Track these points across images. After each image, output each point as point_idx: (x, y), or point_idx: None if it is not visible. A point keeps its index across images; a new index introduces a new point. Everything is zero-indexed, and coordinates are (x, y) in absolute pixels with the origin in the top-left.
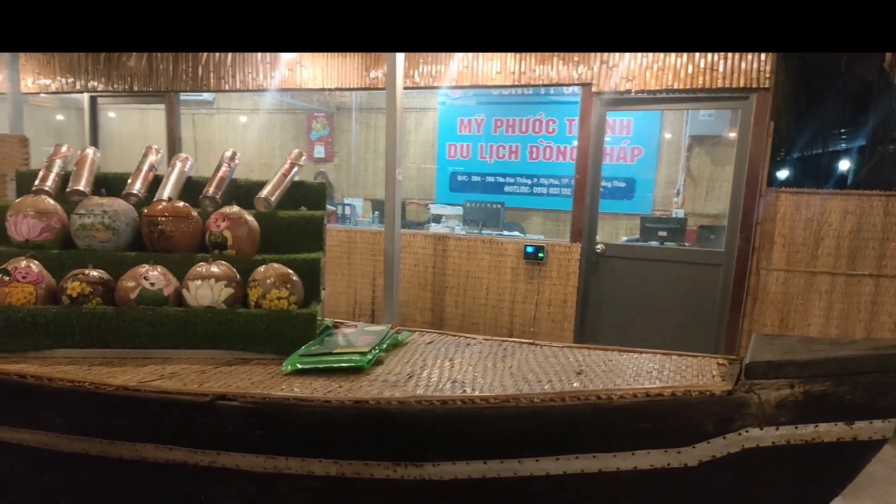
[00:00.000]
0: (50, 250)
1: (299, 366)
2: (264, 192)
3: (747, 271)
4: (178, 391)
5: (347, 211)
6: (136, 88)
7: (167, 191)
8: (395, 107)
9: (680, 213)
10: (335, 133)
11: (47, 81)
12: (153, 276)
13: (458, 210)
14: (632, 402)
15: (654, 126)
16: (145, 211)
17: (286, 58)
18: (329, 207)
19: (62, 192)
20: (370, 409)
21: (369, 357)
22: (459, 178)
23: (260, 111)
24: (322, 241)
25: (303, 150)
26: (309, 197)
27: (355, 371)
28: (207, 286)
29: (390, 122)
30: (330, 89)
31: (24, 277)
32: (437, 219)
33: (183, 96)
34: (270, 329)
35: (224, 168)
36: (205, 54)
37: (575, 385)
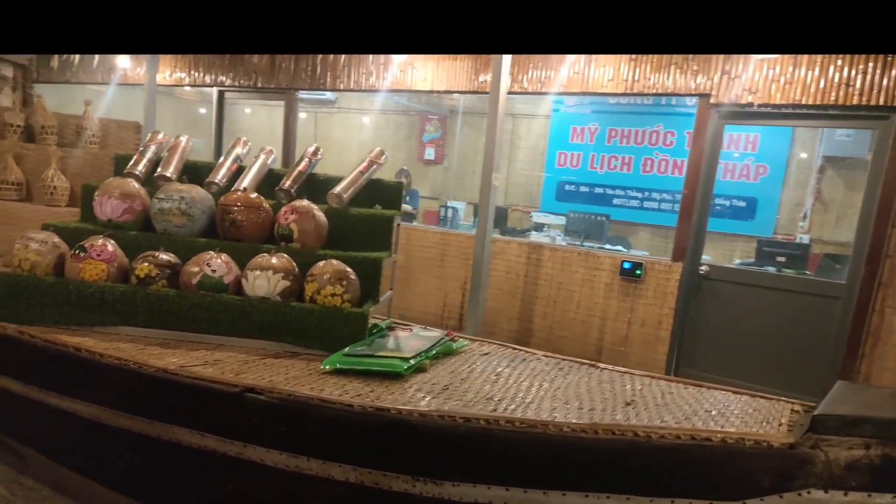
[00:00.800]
0: (129, 231)
1: (339, 365)
2: (338, 189)
3: (870, 308)
4: (211, 379)
5: (450, 213)
6: (259, 85)
7: (245, 182)
8: (497, 110)
9: (805, 239)
10: (447, 136)
11: (182, 75)
12: (216, 263)
13: (562, 220)
14: (673, 443)
15: (783, 144)
16: (221, 199)
17: (398, 59)
18: (406, 207)
19: (152, 176)
20: (391, 418)
21: (410, 363)
22: (567, 187)
23: (377, 111)
24: (390, 241)
25: (384, 150)
26: (385, 196)
27: (393, 376)
28: (265, 277)
29: (491, 126)
30: (438, 91)
31: (98, 255)
32: (539, 227)
33: (307, 95)
34: (321, 325)
35: (304, 162)
36: (322, 56)
37: (616, 417)
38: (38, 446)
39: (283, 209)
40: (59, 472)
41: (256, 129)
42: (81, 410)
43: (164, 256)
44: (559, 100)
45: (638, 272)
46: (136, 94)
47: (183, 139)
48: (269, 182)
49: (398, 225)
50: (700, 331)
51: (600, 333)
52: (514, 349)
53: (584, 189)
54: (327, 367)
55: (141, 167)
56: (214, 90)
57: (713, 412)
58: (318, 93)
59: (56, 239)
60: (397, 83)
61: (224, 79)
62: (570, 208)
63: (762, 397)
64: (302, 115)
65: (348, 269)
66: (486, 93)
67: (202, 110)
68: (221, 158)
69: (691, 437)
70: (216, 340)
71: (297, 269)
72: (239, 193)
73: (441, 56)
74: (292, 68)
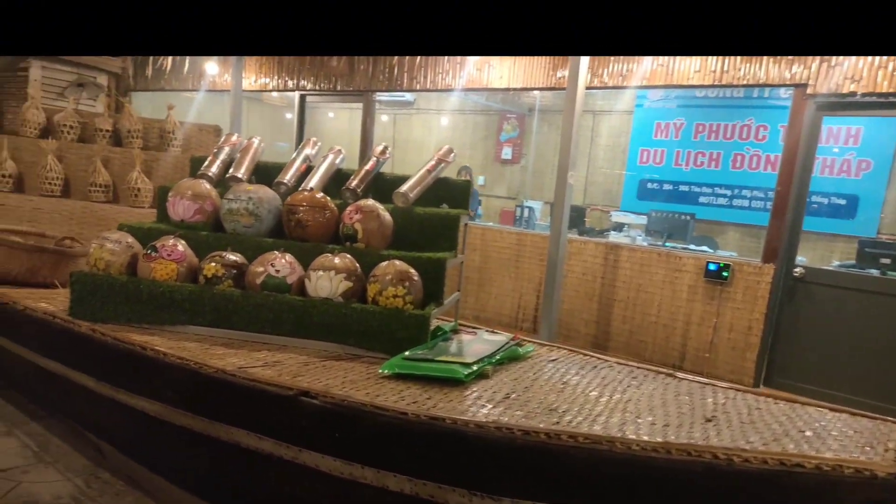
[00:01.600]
0: (200, 231)
1: (398, 369)
2: (403, 188)
3: None
4: (267, 381)
5: (525, 213)
6: (338, 88)
7: (312, 181)
8: (574, 106)
9: None
10: (525, 135)
11: (266, 80)
12: (280, 263)
13: (643, 219)
14: (758, 468)
15: (889, 136)
16: (287, 200)
17: (474, 58)
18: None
19: (225, 177)
20: (445, 428)
21: (472, 369)
22: (649, 185)
23: (455, 111)
24: (456, 241)
25: (452, 147)
26: (453, 195)
27: (453, 382)
28: (327, 278)
29: (567, 123)
30: (515, 89)
31: (168, 255)
32: (619, 227)
33: (386, 97)
34: (382, 327)
35: (372, 161)
36: (398, 57)
37: (693, 435)
38: (112, 441)
39: (349, 209)
40: (131, 467)
41: (336, 132)
42: (147, 408)
43: (232, 256)
44: (642, 94)
45: (725, 274)
46: (226, 100)
47: (255, 140)
48: (337, 182)
49: (466, 225)
50: (794, 338)
51: (683, 339)
52: (585, 355)
53: (667, 187)
54: (386, 371)
55: (214, 168)
56: (296, 94)
57: (807, 433)
58: (397, 95)
59: (130, 239)
60: (473, 82)
61: (305, 83)
62: (652, 207)
63: (864, 416)
64: (383, 118)
65: (411, 270)
66: (563, 89)
67: (288, 115)
68: (291, 159)
69: (780, 461)
70: (280, 341)
71: (359, 270)
72: (305, 193)
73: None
74: (370, 71)
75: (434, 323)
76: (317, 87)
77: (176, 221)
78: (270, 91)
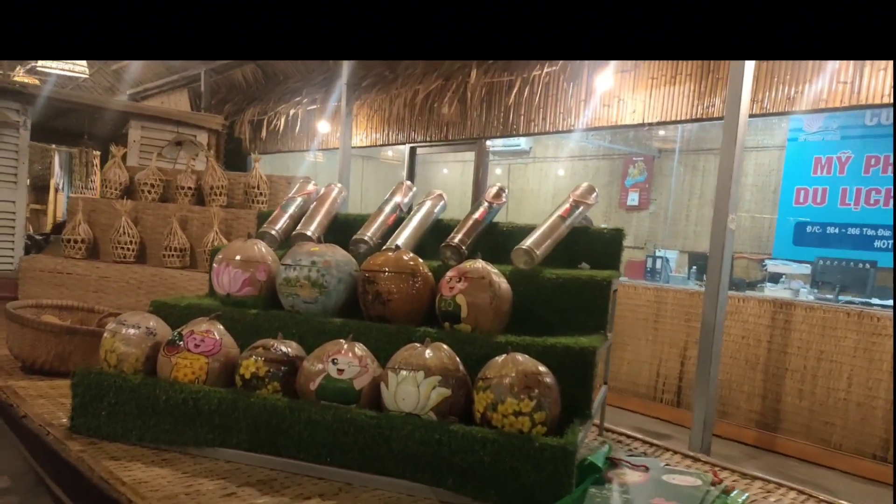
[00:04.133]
0: (249, 309)
1: None
2: (528, 242)
3: None
4: None
5: (658, 264)
6: (450, 137)
7: (401, 238)
8: (736, 137)
9: None
10: (653, 178)
11: (377, 135)
12: (345, 359)
13: (805, 268)
14: None
15: None
16: (363, 264)
17: (601, 92)
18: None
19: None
20: None
21: None
22: (809, 228)
23: (574, 158)
24: (605, 316)
25: (594, 185)
26: (594, 250)
27: None
28: (413, 381)
29: (726, 157)
30: (651, 124)
31: (196, 346)
32: (775, 278)
33: (500, 147)
34: (497, 464)
35: (482, 209)
36: (514, 99)
37: None
38: None
39: (449, 274)
40: None
41: (448, 186)
42: None
43: (282, 348)
44: (797, 127)
45: None
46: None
47: (334, 188)
48: (436, 237)
49: (615, 291)
50: None
51: (887, 422)
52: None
53: (832, 230)
54: None
55: (280, 225)
56: (406, 147)
57: None
58: (511, 144)
59: (153, 322)
60: (600, 120)
61: (416, 134)
62: (813, 254)
63: None
64: (496, 171)
65: (541, 369)
66: (713, 119)
67: (402, 173)
68: (376, 209)
69: None
70: (342, 476)
71: (461, 369)
72: (388, 255)
73: (654, 83)
74: (483, 117)
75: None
76: (427, 139)
77: (222, 296)
78: (381, 145)
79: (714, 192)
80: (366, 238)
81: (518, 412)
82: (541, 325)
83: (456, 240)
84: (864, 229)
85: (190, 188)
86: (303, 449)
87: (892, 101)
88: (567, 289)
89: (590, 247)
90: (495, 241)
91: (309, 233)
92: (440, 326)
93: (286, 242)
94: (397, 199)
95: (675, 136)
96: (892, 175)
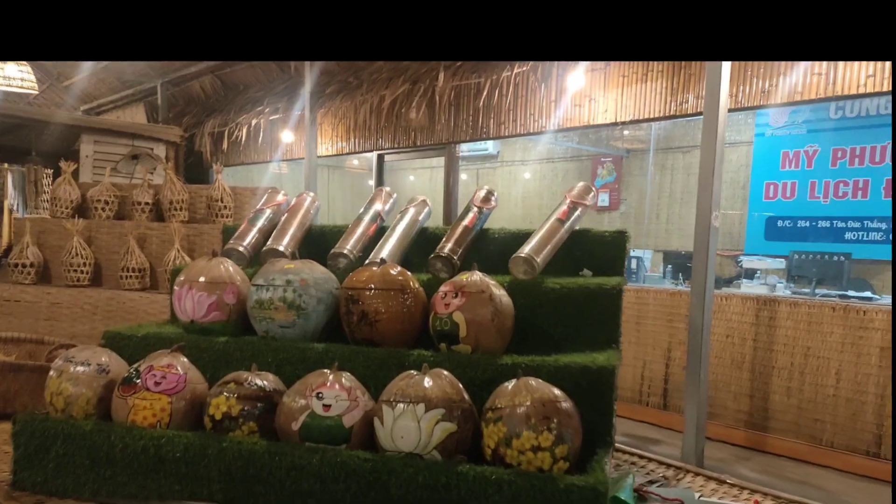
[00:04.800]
0: (217, 337)
1: None
2: (526, 249)
3: None
4: None
5: (633, 264)
6: (418, 143)
7: (384, 250)
8: (716, 133)
9: None
10: (623, 178)
11: (343, 144)
12: (330, 392)
13: (780, 263)
14: None
15: None
16: (345, 280)
17: (573, 92)
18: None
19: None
20: None
21: None
22: (780, 223)
23: (542, 160)
24: (617, 328)
25: (591, 185)
26: (596, 253)
27: None
28: (411, 416)
29: (707, 152)
30: (624, 122)
31: (156, 384)
32: (750, 274)
33: (467, 153)
34: None
35: (471, 215)
36: (483, 101)
37: None
38: None
39: (443, 289)
40: None
41: (417, 193)
42: None
43: (257, 381)
44: (763, 123)
45: None
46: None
47: (307, 198)
48: (422, 248)
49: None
50: None
51: (878, 417)
52: None
53: (803, 224)
54: None
55: (249, 240)
56: (374, 155)
57: None
58: (479, 149)
59: (104, 358)
60: (571, 120)
61: (383, 141)
62: (784, 248)
63: None
64: (462, 177)
65: (559, 395)
66: (688, 116)
67: (370, 182)
68: (355, 219)
69: None
70: None
71: (467, 399)
72: (372, 270)
73: (626, 81)
74: (451, 121)
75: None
76: (395, 145)
77: (185, 322)
78: (348, 154)
79: (682, 189)
80: (345, 251)
81: (536, 447)
82: (545, 342)
83: (446, 249)
84: (835, 222)
85: (147, 203)
86: (286, 499)
87: (867, 91)
88: (573, 299)
89: (591, 251)
90: (487, 249)
91: (281, 248)
92: (435, 349)
93: (256, 260)
94: (377, 206)
95: (642, 136)
96: (869, 165)
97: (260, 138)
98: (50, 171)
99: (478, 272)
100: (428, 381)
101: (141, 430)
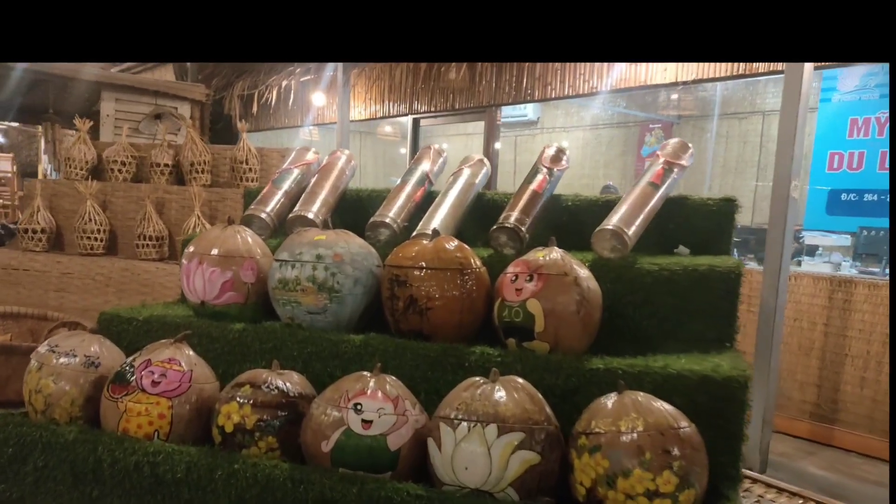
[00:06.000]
0: (233, 323)
1: None
2: (614, 220)
3: None
4: None
5: None
6: (457, 106)
7: (437, 219)
8: (799, 92)
9: None
10: None
11: (377, 108)
12: (371, 403)
13: (845, 240)
14: None
15: None
16: (388, 257)
17: None
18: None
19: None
20: None
21: None
22: (845, 196)
23: (586, 127)
24: (734, 325)
25: (685, 141)
26: (695, 226)
27: None
28: (479, 440)
29: (788, 115)
30: (686, 82)
31: (154, 384)
32: (811, 251)
33: (506, 119)
34: None
35: (540, 177)
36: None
37: None
38: None
39: (512, 270)
40: None
41: (452, 163)
42: None
43: (278, 383)
44: (829, 87)
45: None
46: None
47: (341, 157)
48: (479, 217)
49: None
50: None
51: None
52: None
53: (869, 197)
54: None
55: (273, 205)
56: (409, 119)
57: None
58: (517, 115)
59: (95, 347)
60: (626, 80)
61: (419, 105)
62: (847, 223)
63: None
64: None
65: (677, 417)
66: (760, 75)
67: (402, 150)
68: (399, 181)
69: None
70: None
71: (553, 419)
72: (424, 244)
73: None
74: (493, 83)
75: None
76: (432, 109)
77: (195, 304)
78: (382, 118)
79: (737, 159)
80: (387, 220)
81: (653, 492)
82: (637, 339)
83: (512, 219)
84: None
85: (167, 165)
86: None
87: None
88: (676, 285)
89: (689, 223)
90: (558, 219)
91: (311, 215)
92: (501, 345)
93: (281, 229)
94: (424, 167)
95: (694, 101)
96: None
97: (290, 101)
98: (72, 133)
99: (557, 249)
100: (500, 393)
101: (134, 441)
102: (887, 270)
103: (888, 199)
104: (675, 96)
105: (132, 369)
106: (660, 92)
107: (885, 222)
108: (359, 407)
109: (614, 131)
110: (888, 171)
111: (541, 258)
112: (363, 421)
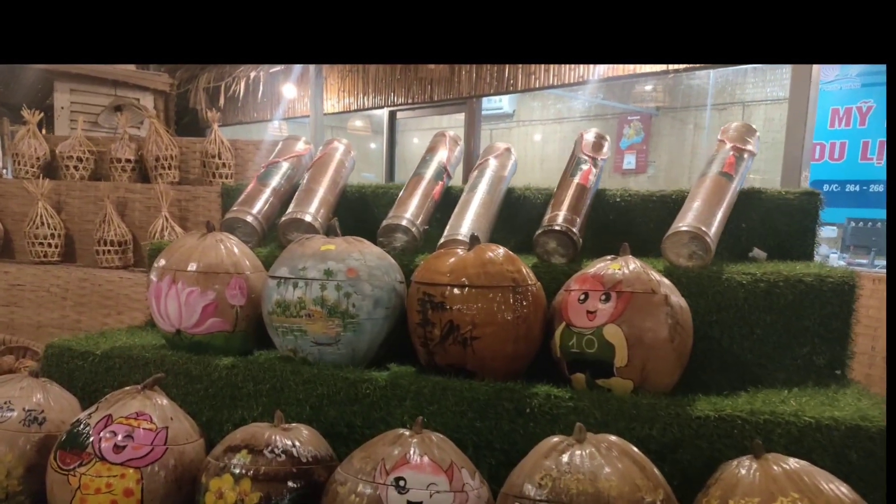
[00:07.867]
0: (219, 358)
1: None
2: (688, 219)
3: None
4: None
5: None
6: (435, 98)
7: (467, 221)
8: (810, 79)
9: None
10: (651, 139)
11: (350, 100)
12: (417, 478)
13: (831, 231)
14: None
15: None
16: (415, 273)
17: None
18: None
19: (278, 222)
20: None
21: None
22: (827, 187)
23: (563, 119)
24: (848, 347)
25: (750, 124)
26: (773, 225)
27: None
28: None
29: (797, 103)
30: (678, 70)
31: (117, 450)
32: None
33: (482, 111)
34: None
35: (585, 168)
36: None
37: None
38: None
39: (578, 286)
40: None
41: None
42: None
43: (284, 443)
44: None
45: None
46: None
47: (339, 148)
48: (510, 216)
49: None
50: None
51: None
52: None
53: (851, 188)
54: None
55: (259, 207)
56: (385, 112)
57: None
58: (493, 108)
59: (40, 395)
60: (615, 69)
61: (395, 97)
62: (829, 215)
63: None
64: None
65: (847, 493)
66: (739, 64)
67: (373, 145)
68: (413, 175)
69: None
70: None
71: (671, 497)
72: (460, 254)
73: None
74: (474, 73)
75: None
76: (409, 101)
77: (168, 333)
78: (356, 111)
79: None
80: (404, 223)
81: None
82: (727, 368)
83: (560, 220)
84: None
85: (129, 161)
86: None
87: None
88: (778, 300)
89: (765, 222)
90: (604, 218)
91: (308, 218)
92: (563, 381)
93: (271, 235)
94: (440, 156)
95: (672, 92)
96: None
97: (260, 94)
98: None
99: (633, 259)
100: (596, 460)
101: None
102: (876, 262)
103: (875, 191)
104: (648, 87)
105: (88, 429)
106: (636, 83)
107: (870, 213)
108: (402, 483)
109: (591, 123)
110: (886, 171)
111: (616, 271)
112: (398, 488)
